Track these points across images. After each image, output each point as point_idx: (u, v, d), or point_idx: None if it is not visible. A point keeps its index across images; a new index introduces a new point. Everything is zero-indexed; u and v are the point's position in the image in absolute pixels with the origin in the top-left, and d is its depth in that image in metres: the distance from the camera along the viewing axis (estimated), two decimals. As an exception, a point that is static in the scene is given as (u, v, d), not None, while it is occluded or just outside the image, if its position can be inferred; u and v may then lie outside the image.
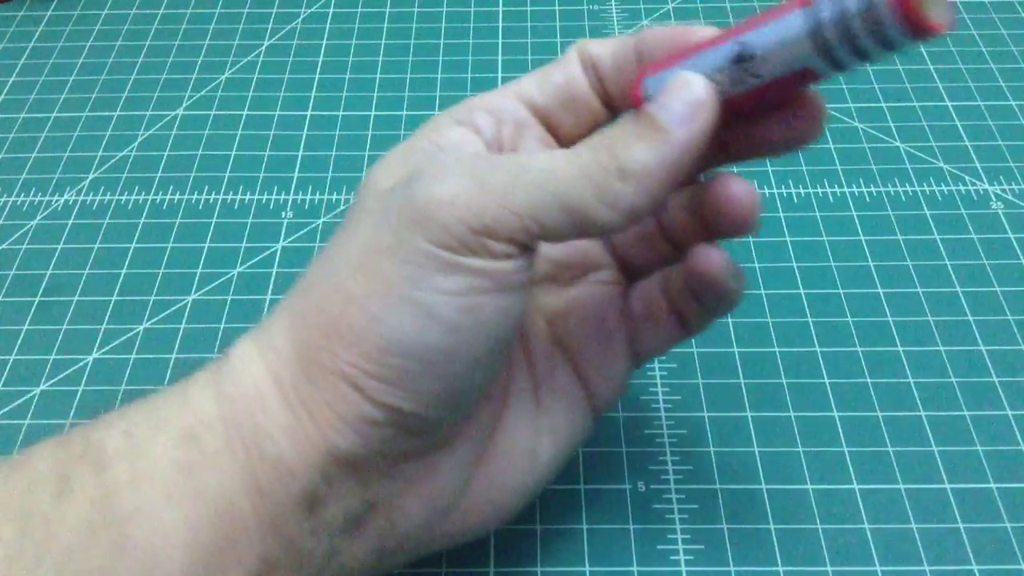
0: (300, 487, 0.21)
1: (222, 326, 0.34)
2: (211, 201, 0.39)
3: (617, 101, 0.25)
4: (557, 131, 0.25)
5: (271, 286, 0.35)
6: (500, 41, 0.46)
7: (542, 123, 0.25)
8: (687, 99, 0.21)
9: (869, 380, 0.32)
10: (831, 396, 0.31)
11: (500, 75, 0.44)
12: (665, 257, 0.26)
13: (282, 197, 0.39)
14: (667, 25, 0.23)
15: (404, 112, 0.42)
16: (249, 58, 0.45)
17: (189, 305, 0.35)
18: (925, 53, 0.44)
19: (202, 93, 0.44)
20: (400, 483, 0.22)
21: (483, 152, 0.23)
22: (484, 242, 0.20)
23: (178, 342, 0.34)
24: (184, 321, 0.34)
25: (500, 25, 0.47)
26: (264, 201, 0.39)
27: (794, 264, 0.35)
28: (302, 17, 0.48)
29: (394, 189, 0.21)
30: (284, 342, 0.21)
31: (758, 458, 0.30)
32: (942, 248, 0.36)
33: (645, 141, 0.20)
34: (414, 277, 0.20)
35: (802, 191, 0.38)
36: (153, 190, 0.39)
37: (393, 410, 0.20)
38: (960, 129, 0.40)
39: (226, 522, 0.20)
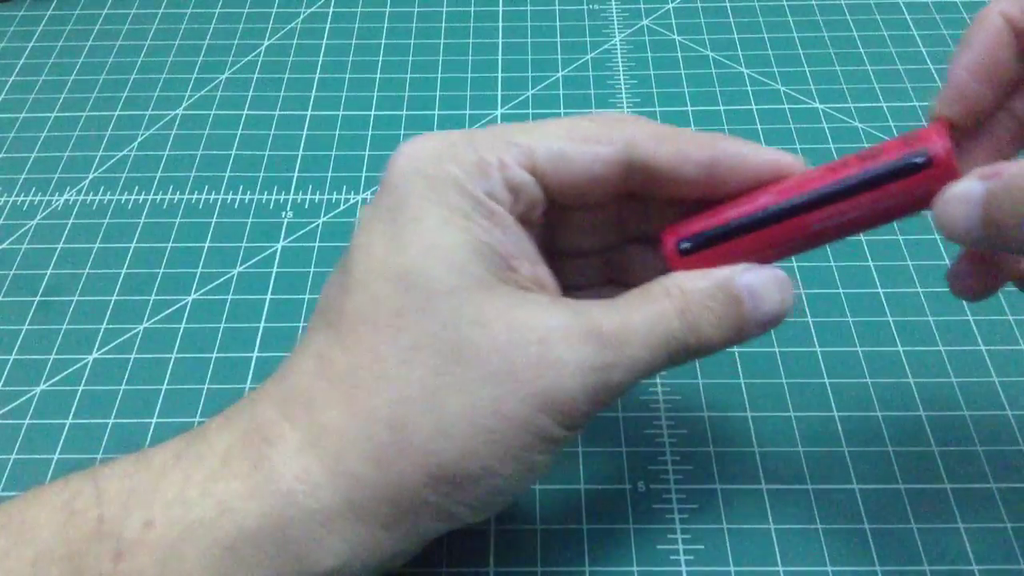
0: None
1: (222, 326, 0.34)
2: (211, 201, 0.39)
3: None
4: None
5: (271, 286, 0.35)
6: (500, 41, 0.46)
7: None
8: (779, 310, 0.24)
9: (869, 380, 0.32)
10: (831, 396, 0.31)
11: (500, 75, 0.44)
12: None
13: (282, 197, 0.39)
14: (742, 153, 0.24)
15: (404, 112, 0.42)
16: (249, 58, 0.45)
17: (189, 305, 0.35)
18: (925, 53, 0.44)
19: (202, 93, 0.44)
20: None
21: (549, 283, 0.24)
22: (586, 423, 0.23)
23: (178, 342, 0.34)
24: (184, 321, 0.34)
25: (500, 25, 0.47)
26: (264, 201, 0.39)
27: (794, 264, 0.35)
28: (302, 17, 0.48)
29: (517, 341, 0.21)
30: (368, 470, 0.21)
31: (758, 458, 0.30)
32: (942, 248, 0.36)
33: (724, 330, 0.23)
34: (532, 445, 0.22)
35: (802, 191, 0.38)
36: (153, 190, 0.39)
37: (457, 524, 0.23)
38: (960, 129, 0.40)
39: None
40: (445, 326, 0.21)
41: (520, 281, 0.23)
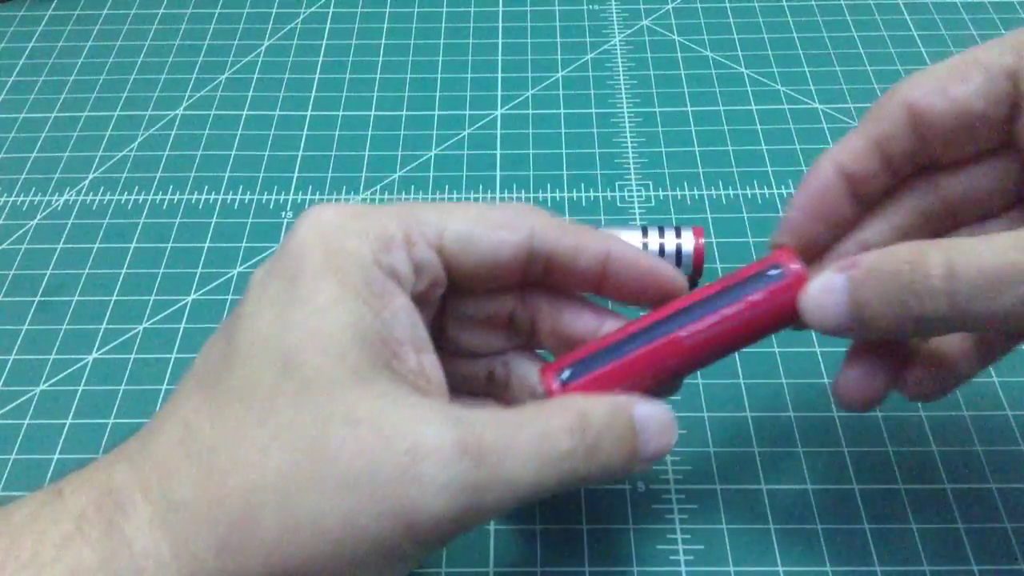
0: None
1: (222, 326, 0.34)
2: (211, 201, 0.39)
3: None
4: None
5: (271, 286, 0.35)
6: (500, 41, 0.46)
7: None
8: (664, 449, 0.23)
9: (869, 380, 0.32)
10: (831, 397, 0.31)
11: (500, 75, 0.44)
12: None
13: (282, 197, 0.39)
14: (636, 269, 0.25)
15: (404, 112, 0.42)
16: (249, 58, 0.45)
17: (189, 305, 0.35)
18: (924, 53, 0.44)
19: (202, 93, 0.44)
20: None
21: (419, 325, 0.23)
22: (451, 541, 0.21)
23: (178, 342, 0.34)
24: (184, 321, 0.34)
25: (500, 25, 0.47)
26: (264, 201, 0.39)
27: (794, 264, 0.35)
28: (302, 17, 0.48)
29: (382, 449, 0.20)
30: (211, 557, 0.20)
31: (758, 458, 0.30)
32: (942, 248, 0.36)
33: (618, 460, 0.22)
34: (384, 561, 0.20)
35: (802, 191, 0.38)
36: (153, 190, 0.39)
37: None
38: (960, 129, 0.40)
39: None
40: (314, 419, 0.20)
41: (402, 370, 0.22)
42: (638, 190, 0.38)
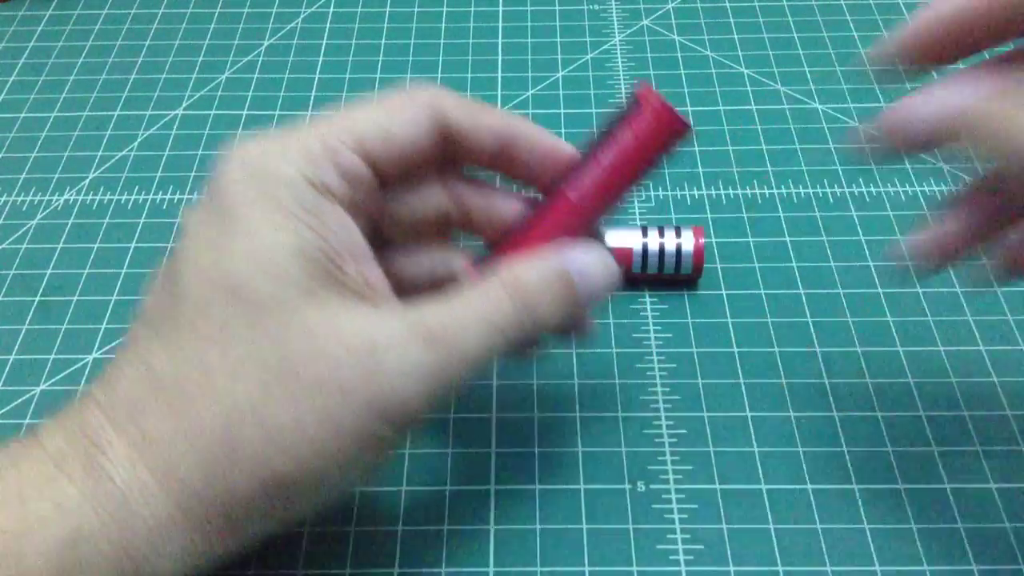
0: None
1: (222, 326, 0.34)
2: (211, 201, 0.39)
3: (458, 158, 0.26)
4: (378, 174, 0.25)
5: (271, 286, 0.35)
6: (500, 41, 0.46)
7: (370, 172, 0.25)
8: (606, 286, 0.25)
9: (869, 380, 0.32)
10: (831, 396, 0.31)
11: (500, 75, 0.44)
12: None
13: (282, 197, 0.39)
14: (540, 138, 0.26)
15: (404, 112, 0.42)
16: (249, 58, 0.45)
17: (189, 305, 0.35)
18: (925, 53, 0.44)
19: (202, 93, 0.44)
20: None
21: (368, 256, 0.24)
22: (424, 420, 0.23)
23: (178, 342, 0.34)
24: (184, 321, 0.34)
25: (500, 25, 0.47)
26: (264, 201, 0.38)
27: (794, 264, 0.35)
28: (302, 17, 0.48)
29: (342, 351, 0.21)
30: (199, 479, 0.21)
31: (758, 458, 0.30)
32: (942, 248, 0.36)
33: (561, 310, 0.24)
34: (365, 451, 0.22)
35: (802, 191, 0.38)
36: (153, 190, 0.39)
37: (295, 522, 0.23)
38: (960, 129, 0.40)
39: None
40: (272, 340, 0.21)
41: (348, 283, 0.23)
42: (638, 190, 0.38)
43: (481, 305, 0.23)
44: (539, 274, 0.24)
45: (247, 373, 0.21)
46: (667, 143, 0.25)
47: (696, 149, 0.40)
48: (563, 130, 0.41)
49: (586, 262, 0.25)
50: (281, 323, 0.21)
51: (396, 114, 0.24)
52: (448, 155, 0.25)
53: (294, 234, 0.22)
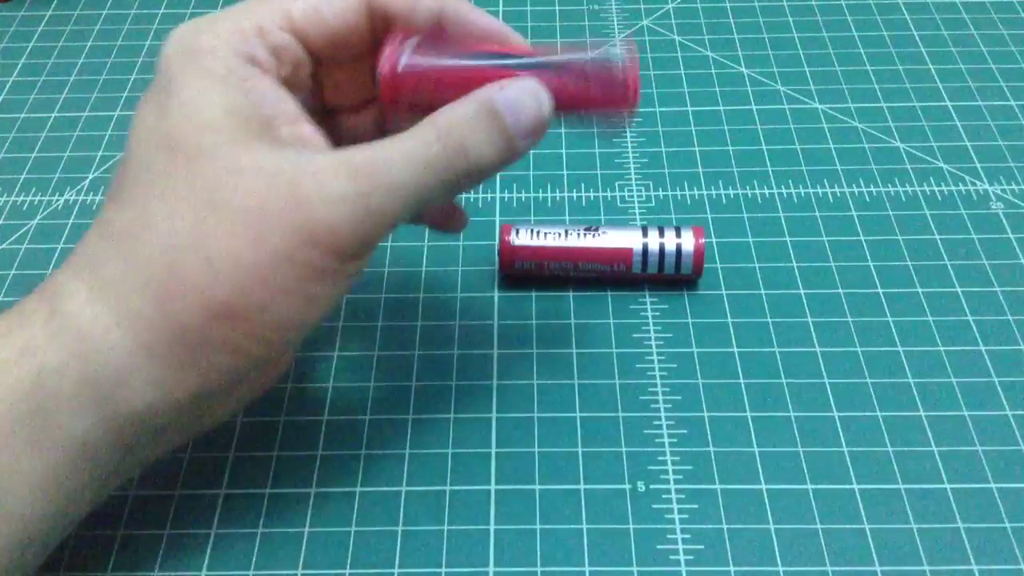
0: (152, 426, 0.24)
1: (222, 326, 0.34)
2: (211, 201, 0.39)
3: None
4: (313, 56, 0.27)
5: (271, 286, 0.35)
6: (500, 41, 0.46)
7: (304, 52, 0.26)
8: (537, 116, 0.25)
9: (869, 380, 0.32)
10: (831, 396, 0.31)
11: (500, 75, 0.44)
12: None
13: (282, 197, 0.39)
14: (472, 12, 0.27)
15: (404, 112, 0.42)
16: (249, 58, 0.45)
17: (189, 305, 0.35)
18: (925, 53, 0.44)
19: (202, 93, 0.44)
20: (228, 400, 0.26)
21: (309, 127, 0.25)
22: (363, 253, 0.24)
23: (178, 342, 0.34)
24: (184, 321, 0.34)
25: (500, 25, 0.47)
26: (264, 201, 0.38)
27: (794, 264, 0.35)
28: (302, 17, 0.48)
29: (269, 183, 0.23)
30: (151, 310, 0.23)
31: (758, 458, 0.30)
32: (942, 248, 0.36)
33: (494, 146, 0.25)
34: (305, 278, 0.23)
35: (802, 191, 0.38)
36: (153, 190, 0.39)
37: (255, 361, 0.24)
38: (960, 129, 0.40)
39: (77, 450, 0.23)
40: (205, 180, 0.23)
41: (280, 140, 0.24)
42: (638, 190, 0.38)
43: (408, 143, 0.24)
44: (464, 110, 0.24)
45: (184, 211, 0.23)
46: (609, 110, 0.26)
47: (696, 149, 0.40)
48: (563, 130, 0.41)
49: (512, 94, 0.25)
50: (214, 166, 0.23)
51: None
52: (383, 32, 0.27)
53: (222, 94, 0.24)
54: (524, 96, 0.25)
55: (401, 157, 0.24)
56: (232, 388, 0.25)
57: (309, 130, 0.25)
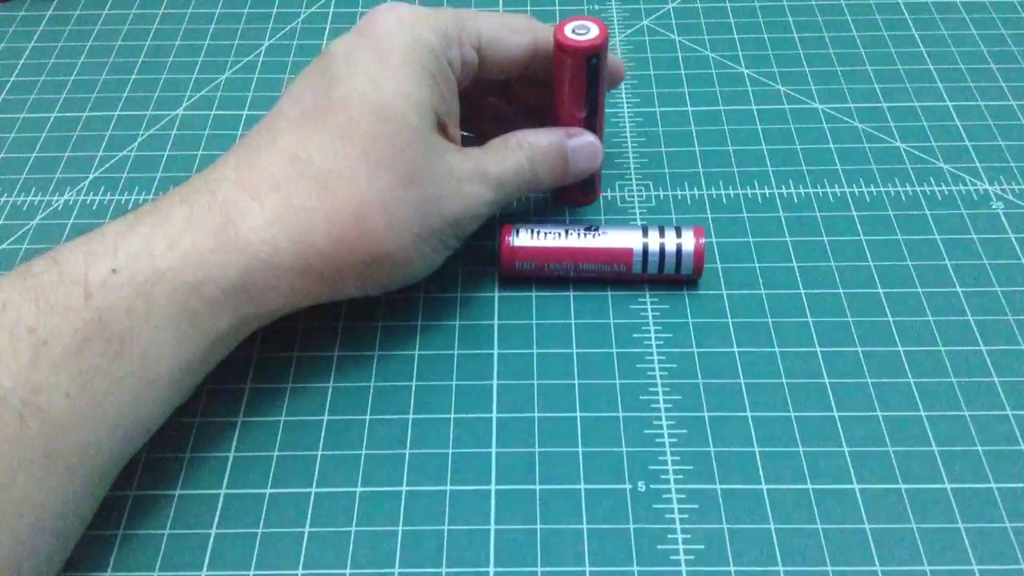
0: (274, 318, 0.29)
1: (222, 326, 0.34)
2: (211, 201, 0.39)
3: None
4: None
5: (271, 286, 0.35)
6: (500, 41, 0.46)
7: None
8: (587, 169, 0.34)
9: (869, 380, 0.32)
10: (831, 396, 0.31)
11: (500, 75, 0.44)
12: None
13: (282, 197, 0.39)
14: None
15: (404, 112, 0.42)
16: (249, 58, 0.45)
17: (189, 305, 0.35)
18: (925, 53, 0.44)
19: (202, 93, 0.44)
20: None
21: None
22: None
23: (178, 342, 0.33)
24: (184, 321, 0.34)
25: (500, 25, 0.47)
26: (264, 201, 0.38)
27: (794, 264, 0.35)
28: (302, 17, 0.48)
29: (446, 177, 0.29)
30: (326, 246, 0.27)
31: (758, 458, 0.30)
32: (942, 248, 0.36)
33: (553, 176, 0.33)
34: (437, 249, 0.30)
35: (802, 191, 0.38)
36: (153, 190, 0.39)
37: (373, 290, 0.31)
38: (960, 129, 0.40)
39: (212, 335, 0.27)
40: (405, 156, 0.28)
41: (448, 138, 0.30)
42: (638, 190, 0.38)
43: (513, 162, 0.31)
44: (547, 142, 0.32)
45: (383, 175, 0.28)
46: (583, 69, 0.32)
47: (696, 149, 0.40)
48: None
49: (580, 144, 0.33)
50: (414, 144, 0.28)
51: (508, 32, 0.32)
52: (540, 71, 0.33)
53: (430, 89, 0.29)
54: (587, 148, 0.34)
55: (511, 174, 0.31)
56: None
57: (458, 134, 0.31)
